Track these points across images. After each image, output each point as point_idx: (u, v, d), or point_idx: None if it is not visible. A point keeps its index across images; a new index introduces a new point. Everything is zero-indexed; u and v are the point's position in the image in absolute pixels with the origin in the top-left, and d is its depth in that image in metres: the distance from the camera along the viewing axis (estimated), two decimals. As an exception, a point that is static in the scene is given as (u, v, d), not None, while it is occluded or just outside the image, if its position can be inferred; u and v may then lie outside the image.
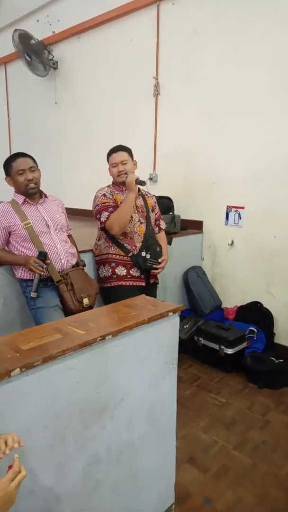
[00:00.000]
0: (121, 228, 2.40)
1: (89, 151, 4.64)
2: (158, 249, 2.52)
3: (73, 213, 4.09)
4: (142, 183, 2.41)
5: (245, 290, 3.42)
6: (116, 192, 2.50)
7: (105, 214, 2.41)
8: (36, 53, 4.59)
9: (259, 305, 3.29)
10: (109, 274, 2.50)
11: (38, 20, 4.86)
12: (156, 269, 2.55)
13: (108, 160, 2.54)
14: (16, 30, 4.43)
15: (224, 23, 3.21)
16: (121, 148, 2.51)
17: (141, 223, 2.51)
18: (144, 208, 2.56)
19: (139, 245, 2.49)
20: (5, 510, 0.74)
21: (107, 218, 2.40)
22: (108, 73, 4.26)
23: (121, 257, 2.48)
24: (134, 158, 2.55)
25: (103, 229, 2.47)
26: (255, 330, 3.12)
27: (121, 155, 2.47)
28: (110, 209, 2.41)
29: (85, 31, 4.35)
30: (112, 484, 1.40)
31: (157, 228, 2.70)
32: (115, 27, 4.08)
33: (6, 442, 0.85)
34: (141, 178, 2.42)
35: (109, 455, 1.36)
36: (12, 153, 2.26)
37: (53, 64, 4.77)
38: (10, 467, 0.80)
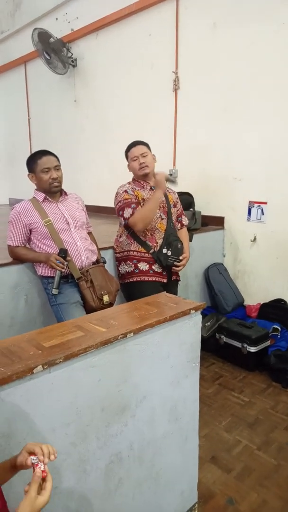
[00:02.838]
0: (145, 225, 2.39)
1: (107, 148, 4.64)
2: (179, 245, 2.50)
3: (92, 211, 4.10)
4: (174, 181, 2.35)
5: (268, 287, 3.34)
6: (137, 189, 2.47)
7: (128, 210, 2.39)
8: (55, 51, 4.61)
9: (283, 302, 3.21)
10: (132, 269, 2.49)
11: (57, 18, 4.89)
12: (177, 266, 2.52)
13: (127, 156, 2.52)
14: (35, 29, 4.47)
15: (244, 16, 3.13)
16: (139, 142, 2.51)
17: (162, 219, 2.49)
18: (166, 203, 2.54)
19: (160, 241, 2.47)
20: None
21: (131, 214, 2.38)
22: (126, 69, 4.24)
23: (143, 254, 2.47)
24: (152, 153, 2.53)
25: (126, 225, 2.45)
26: (279, 328, 3.05)
27: (140, 148, 2.46)
28: (133, 205, 2.39)
29: (104, 27, 4.34)
30: (134, 482, 1.39)
31: (179, 225, 2.67)
32: (134, 22, 4.05)
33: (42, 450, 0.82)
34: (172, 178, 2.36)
35: (132, 454, 1.35)
36: (33, 151, 2.26)
37: (72, 61, 4.78)
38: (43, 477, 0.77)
